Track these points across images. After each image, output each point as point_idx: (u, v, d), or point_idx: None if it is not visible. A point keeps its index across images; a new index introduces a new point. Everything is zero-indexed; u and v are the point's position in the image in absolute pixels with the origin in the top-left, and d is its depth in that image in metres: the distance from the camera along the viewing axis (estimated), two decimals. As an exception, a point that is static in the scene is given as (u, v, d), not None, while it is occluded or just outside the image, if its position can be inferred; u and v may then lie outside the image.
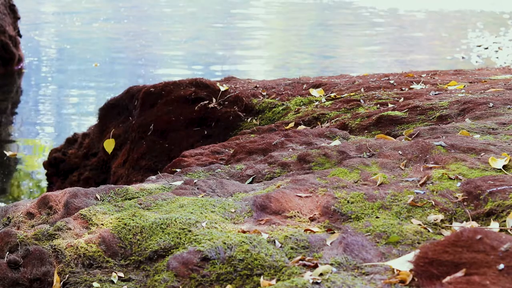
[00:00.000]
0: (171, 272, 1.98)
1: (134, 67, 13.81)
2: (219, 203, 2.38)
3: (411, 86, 4.70)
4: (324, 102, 4.59)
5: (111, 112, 5.84)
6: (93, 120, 7.53)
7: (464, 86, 4.55)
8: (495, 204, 2.14)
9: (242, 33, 17.98)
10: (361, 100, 4.37)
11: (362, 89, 4.70)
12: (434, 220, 2.15)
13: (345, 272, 1.86)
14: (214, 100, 5.02)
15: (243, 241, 2.00)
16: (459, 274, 1.62)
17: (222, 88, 5.10)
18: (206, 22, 19.67)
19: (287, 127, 4.16)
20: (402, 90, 4.59)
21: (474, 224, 2.10)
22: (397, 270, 1.81)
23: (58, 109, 10.88)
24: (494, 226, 2.04)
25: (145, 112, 5.27)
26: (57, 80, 12.85)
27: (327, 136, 3.40)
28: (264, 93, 5.04)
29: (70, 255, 2.14)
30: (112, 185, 2.68)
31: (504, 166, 2.47)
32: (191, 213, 2.28)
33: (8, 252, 2.20)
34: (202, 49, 15.50)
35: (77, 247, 2.16)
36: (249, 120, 4.77)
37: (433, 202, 2.24)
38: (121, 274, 2.07)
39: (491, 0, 25.44)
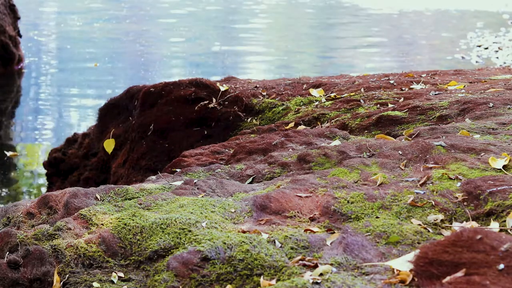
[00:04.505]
0: (171, 272, 1.98)
1: (134, 67, 13.81)
2: (219, 203, 2.38)
3: (411, 86, 4.70)
4: (324, 102, 4.58)
5: (111, 112, 5.83)
6: (93, 120, 7.54)
7: (464, 86, 4.55)
8: (495, 204, 2.14)
9: (242, 33, 17.98)
10: (361, 100, 4.36)
11: (362, 89, 4.70)
12: (434, 220, 2.15)
13: (345, 272, 1.86)
14: (214, 100, 5.02)
15: (243, 241, 2.00)
16: (459, 274, 1.62)
17: (222, 88, 5.10)
18: (206, 22, 19.67)
19: (287, 127, 4.16)
20: (402, 90, 4.59)
21: (474, 224, 2.10)
22: (397, 270, 1.81)
23: (58, 109, 10.89)
24: (494, 226, 2.04)
25: (145, 112, 5.26)
26: (57, 80, 12.85)
27: (327, 136, 3.40)
28: (264, 93, 5.04)
29: (70, 255, 2.14)
30: (112, 185, 2.68)
31: (504, 166, 2.47)
32: (191, 213, 2.28)
33: (8, 252, 2.20)
34: (202, 49, 15.50)
35: (77, 247, 2.16)
36: (249, 120, 4.77)
37: (433, 202, 2.24)
38: (121, 274, 2.07)
39: (493, 0, 25.43)
